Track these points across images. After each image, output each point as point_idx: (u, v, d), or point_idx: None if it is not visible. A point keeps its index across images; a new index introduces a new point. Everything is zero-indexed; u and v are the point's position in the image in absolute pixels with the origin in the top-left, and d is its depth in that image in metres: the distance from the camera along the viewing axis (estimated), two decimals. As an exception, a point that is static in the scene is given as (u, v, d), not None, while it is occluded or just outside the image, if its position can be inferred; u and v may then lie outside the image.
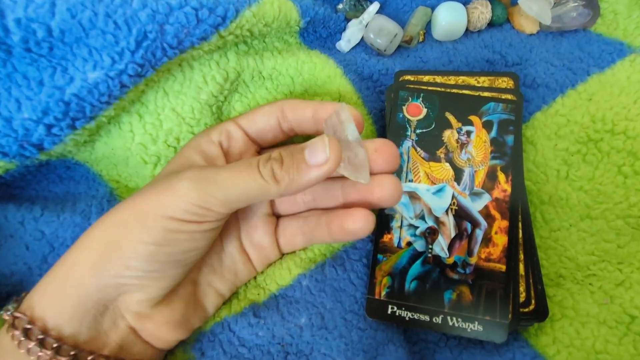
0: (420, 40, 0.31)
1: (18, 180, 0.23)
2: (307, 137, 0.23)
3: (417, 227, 0.24)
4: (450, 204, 0.24)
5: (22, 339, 0.17)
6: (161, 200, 0.18)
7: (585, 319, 0.23)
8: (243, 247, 0.22)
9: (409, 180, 0.25)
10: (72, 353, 0.17)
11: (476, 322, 0.22)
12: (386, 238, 0.24)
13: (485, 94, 0.27)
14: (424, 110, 0.26)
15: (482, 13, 0.30)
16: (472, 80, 0.27)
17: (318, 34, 0.29)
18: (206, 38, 0.21)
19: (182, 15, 0.20)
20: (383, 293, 0.23)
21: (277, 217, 0.23)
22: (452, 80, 0.27)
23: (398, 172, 0.25)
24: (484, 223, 0.24)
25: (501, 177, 0.25)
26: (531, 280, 0.23)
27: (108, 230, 0.18)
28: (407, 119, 0.26)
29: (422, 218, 0.24)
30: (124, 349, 0.19)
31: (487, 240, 0.24)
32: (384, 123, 0.28)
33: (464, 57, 0.29)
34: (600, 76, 0.28)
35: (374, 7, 0.30)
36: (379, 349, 0.22)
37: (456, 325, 0.22)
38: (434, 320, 0.22)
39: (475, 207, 0.24)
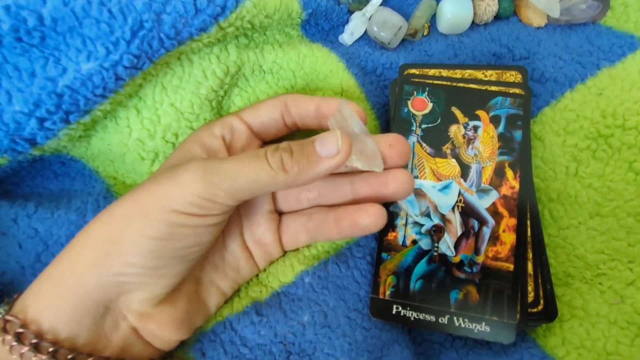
0: (425, 33, 0.30)
1: (11, 176, 0.23)
2: (309, 132, 0.23)
3: (422, 225, 0.24)
4: (457, 201, 0.24)
5: (14, 343, 0.16)
6: (165, 193, 0.17)
7: (595, 319, 0.23)
8: (245, 244, 0.22)
9: (415, 177, 0.24)
10: (69, 357, 0.16)
11: (483, 323, 0.22)
12: (391, 236, 0.24)
13: (493, 88, 0.26)
14: (430, 105, 0.26)
15: (489, 5, 0.29)
16: (479, 74, 0.26)
17: (320, 26, 0.28)
18: (205, 29, 0.21)
19: (179, 4, 0.19)
20: (387, 292, 0.22)
21: (279, 214, 0.23)
22: (458, 73, 0.26)
23: (403, 169, 0.25)
24: (491, 221, 0.23)
25: (509, 173, 0.24)
26: (540, 280, 0.23)
27: (107, 225, 0.17)
28: (412, 113, 0.26)
29: (428, 215, 0.24)
30: (123, 350, 0.18)
31: (494, 238, 0.23)
32: (387, 118, 0.27)
33: (470, 51, 0.28)
34: (610, 70, 0.27)
35: (378, -1, 0.30)
36: (384, 349, 0.22)
37: (462, 325, 0.22)
38: (439, 320, 0.22)
39: (482, 204, 0.24)
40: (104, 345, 0.18)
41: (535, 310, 0.22)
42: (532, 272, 0.23)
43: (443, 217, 0.24)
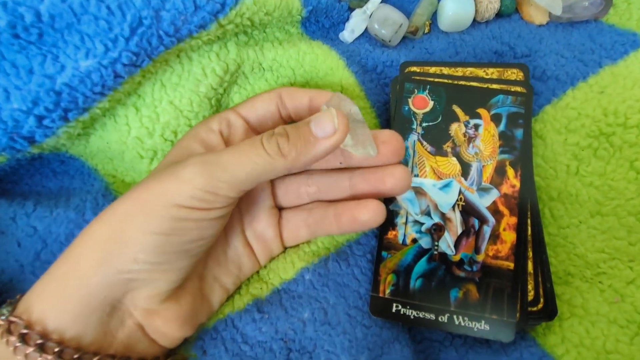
0: (426, 31, 0.30)
1: (10, 174, 0.23)
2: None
3: (422, 224, 0.24)
4: (457, 200, 0.24)
5: (19, 344, 0.16)
6: (166, 189, 0.17)
7: (595, 318, 0.23)
8: (247, 240, 0.22)
9: (415, 175, 0.24)
10: (75, 356, 0.16)
11: (483, 321, 0.22)
12: (391, 235, 0.24)
13: (494, 86, 0.26)
14: (431, 103, 0.25)
15: (490, 3, 0.29)
16: (480, 72, 0.26)
17: (320, 24, 0.28)
18: (205, 26, 0.20)
19: (178, 0, 0.19)
20: (387, 291, 0.22)
21: (280, 209, 0.23)
22: (459, 71, 0.26)
23: (403, 167, 0.25)
24: (491, 219, 0.23)
25: (510, 172, 0.24)
26: (540, 279, 0.23)
27: (109, 224, 0.17)
28: (413, 111, 0.25)
29: (428, 214, 0.24)
30: (129, 348, 0.18)
31: (495, 237, 0.23)
32: (388, 116, 0.27)
33: (471, 49, 0.28)
34: (612, 68, 0.27)
35: (379, -4, 0.29)
36: (384, 347, 0.22)
37: (462, 324, 0.22)
38: (439, 319, 0.22)
39: (483, 202, 0.24)
40: (110, 343, 0.18)
41: (535, 308, 0.22)
42: (532, 271, 0.23)
43: (443, 215, 0.24)
